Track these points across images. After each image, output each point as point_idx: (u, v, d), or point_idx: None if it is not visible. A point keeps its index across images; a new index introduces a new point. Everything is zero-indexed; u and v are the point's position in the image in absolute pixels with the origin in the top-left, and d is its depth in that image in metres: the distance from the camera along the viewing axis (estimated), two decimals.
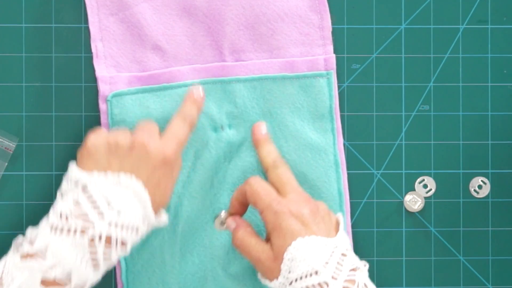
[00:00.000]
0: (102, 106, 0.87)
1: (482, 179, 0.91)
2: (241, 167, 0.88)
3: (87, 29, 0.88)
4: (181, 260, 0.87)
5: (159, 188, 0.78)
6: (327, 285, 0.74)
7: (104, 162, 0.77)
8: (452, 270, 0.90)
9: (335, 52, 0.89)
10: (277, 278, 0.77)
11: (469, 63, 0.91)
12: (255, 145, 0.86)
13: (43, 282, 0.73)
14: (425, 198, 0.90)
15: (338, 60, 0.89)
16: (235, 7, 0.88)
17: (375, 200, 0.90)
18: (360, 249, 0.90)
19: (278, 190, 0.81)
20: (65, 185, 0.77)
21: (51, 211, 0.76)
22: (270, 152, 0.85)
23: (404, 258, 0.90)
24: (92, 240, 0.74)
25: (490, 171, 0.91)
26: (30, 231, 0.76)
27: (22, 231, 0.88)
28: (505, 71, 0.91)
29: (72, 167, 0.78)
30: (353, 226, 0.90)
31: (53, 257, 0.73)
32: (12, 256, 0.75)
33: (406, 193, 0.90)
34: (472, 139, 0.91)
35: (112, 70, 0.88)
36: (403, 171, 0.90)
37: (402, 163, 0.90)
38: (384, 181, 0.90)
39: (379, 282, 0.90)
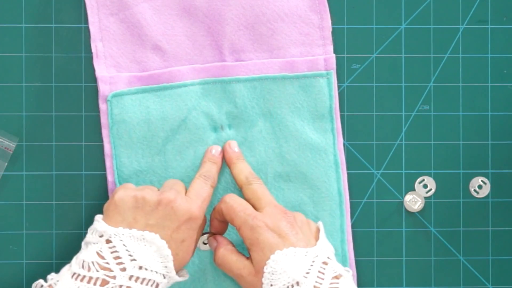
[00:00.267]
0: (102, 106, 0.87)
1: (482, 179, 0.91)
2: None
3: (87, 29, 0.88)
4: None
5: (182, 244, 0.79)
6: None
7: (130, 218, 0.78)
8: (452, 270, 0.90)
9: (335, 52, 0.89)
10: None
11: (469, 63, 0.91)
12: (228, 163, 0.86)
13: None
14: (425, 198, 0.90)
15: (338, 60, 0.89)
16: (235, 7, 0.88)
17: (375, 200, 0.90)
18: (360, 249, 0.90)
19: (254, 206, 0.82)
20: (89, 236, 0.78)
21: (74, 260, 0.77)
22: (242, 170, 0.85)
23: (404, 258, 0.90)
24: None
25: (490, 171, 0.91)
26: (51, 277, 0.78)
27: (22, 231, 0.88)
28: (505, 71, 0.91)
29: (98, 220, 0.79)
30: (353, 226, 0.90)
31: None
32: None
33: (406, 193, 0.90)
34: (472, 139, 0.91)
35: (112, 70, 0.88)
36: (403, 171, 0.90)
37: (402, 163, 0.90)
38: (384, 181, 0.90)
39: (379, 282, 0.90)
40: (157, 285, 0.77)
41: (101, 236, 0.77)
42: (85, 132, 0.88)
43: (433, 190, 0.90)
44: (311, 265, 0.76)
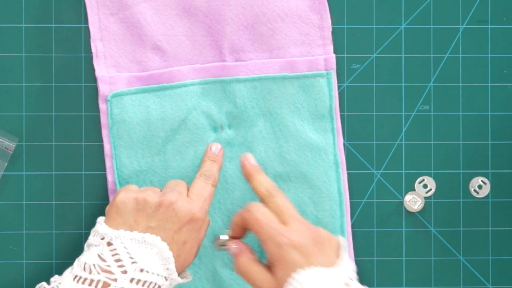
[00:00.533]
0: (102, 106, 0.87)
1: (482, 179, 0.91)
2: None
3: (87, 29, 0.88)
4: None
5: (184, 246, 0.79)
6: None
7: (131, 220, 0.78)
8: (452, 270, 0.90)
9: (335, 52, 0.89)
10: None
11: (469, 63, 0.91)
12: (246, 177, 0.86)
13: None
14: (425, 198, 0.90)
15: (338, 60, 0.89)
16: (235, 7, 0.88)
17: (375, 200, 0.90)
18: (360, 249, 0.90)
19: (278, 218, 0.81)
20: (91, 238, 0.79)
21: (76, 262, 0.77)
22: (262, 182, 0.84)
23: (404, 258, 0.90)
24: None
25: (490, 171, 0.91)
26: (54, 279, 0.79)
27: (22, 231, 0.88)
28: (505, 71, 0.91)
29: (100, 222, 0.79)
30: (353, 226, 0.90)
31: None
32: None
33: (406, 193, 0.90)
34: (472, 139, 0.91)
35: (112, 70, 0.88)
36: (403, 171, 0.90)
37: (402, 163, 0.90)
38: (384, 181, 0.90)
39: (379, 282, 0.90)
40: (159, 287, 0.77)
41: (102, 239, 0.77)
42: (85, 132, 0.88)
43: (433, 190, 0.90)
44: (332, 286, 0.75)
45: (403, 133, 0.90)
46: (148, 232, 0.77)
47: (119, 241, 0.77)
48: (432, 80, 0.90)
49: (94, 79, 0.88)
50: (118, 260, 0.76)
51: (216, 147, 0.86)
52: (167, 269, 0.78)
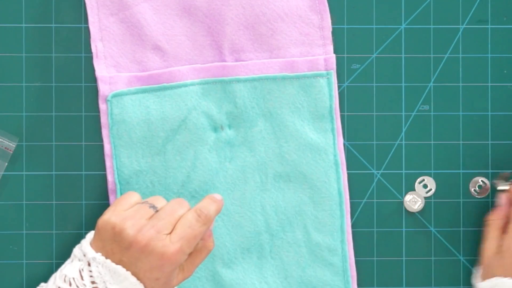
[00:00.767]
0: (102, 106, 0.87)
1: (482, 179, 0.91)
2: (241, 167, 0.88)
3: (87, 29, 0.88)
4: None
5: (157, 282, 0.77)
6: None
7: (108, 247, 0.77)
8: (452, 270, 0.90)
9: (335, 52, 0.89)
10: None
11: (469, 63, 0.91)
12: None
13: None
14: (425, 198, 0.90)
15: (338, 60, 0.89)
16: (235, 7, 0.88)
17: (375, 200, 0.90)
18: (360, 249, 0.90)
19: None
20: (77, 250, 0.79)
21: (59, 272, 0.78)
22: None
23: (404, 258, 0.90)
24: None
25: (490, 171, 0.91)
26: (42, 286, 0.80)
27: (22, 231, 0.88)
28: (505, 71, 0.91)
29: (86, 238, 0.79)
30: (353, 226, 0.90)
31: None
32: None
33: (406, 193, 0.90)
34: (472, 139, 0.91)
35: (112, 70, 0.88)
36: (403, 171, 0.90)
37: (402, 163, 0.90)
38: (384, 181, 0.90)
39: (379, 282, 0.90)
40: None
41: (84, 255, 0.77)
42: (85, 132, 0.88)
43: (433, 190, 0.90)
44: None
45: (403, 133, 0.90)
46: (120, 265, 0.76)
47: (95, 264, 0.77)
48: (432, 80, 0.90)
49: (94, 79, 0.88)
50: (93, 282, 0.76)
51: (218, 196, 0.81)
52: None
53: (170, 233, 0.77)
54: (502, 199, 0.87)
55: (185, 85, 0.87)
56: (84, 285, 0.76)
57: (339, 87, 0.90)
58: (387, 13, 0.90)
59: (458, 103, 0.91)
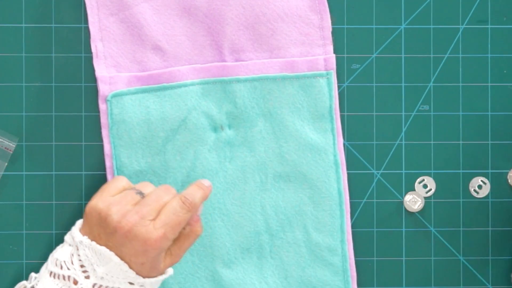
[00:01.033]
0: (102, 106, 0.87)
1: (482, 179, 0.91)
2: (241, 167, 0.88)
3: (87, 29, 0.88)
4: (181, 260, 0.87)
5: (143, 266, 0.78)
6: None
7: (95, 232, 0.78)
8: (452, 270, 0.90)
9: (335, 52, 0.89)
10: None
11: (469, 63, 0.91)
12: None
13: None
14: (425, 198, 0.90)
15: (338, 60, 0.89)
16: (235, 7, 0.88)
17: (375, 200, 0.90)
18: (360, 249, 0.90)
19: None
20: (68, 236, 0.79)
21: (50, 257, 0.79)
22: None
23: (404, 258, 0.90)
24: None
25: (490, 171, 0.91)
26: (35, 275, 0.80)
27: (22, 231, 0.88)
28: (505, 71, 0.91)
29: (76, 225, 0.80)
30: (353, 226, 0.90)
31: None
32: None
33: (406, 193, 0.90)
34: (472, 139, 0.91)
35: (112, 70, 0.88)
36: (403, 171, 0.90)
37: (402, 163, 0.90)
38: (384, 181, 0.90)
39: (379, 282, 0.90)
40: None
41: (73, 240, 0.78)
42: (85, 132, 0.88)
43: (433, 190, 0.90)
44: None
45: (403, 133, 0.90)
46: (106, 248, 0.77)
47: (83, 247, 0.77)
48: (432, 80, 0.90)
49: (94, 79, 0.88)
50: (82, 266, 0.77)
51: (207, 182, 0.81)
52: (129, 277, 0.78)
53: (154, 219, 0.77)
54: None
55: (185, 85, 0.87)
56: (74, 269, 0.77)
57: (339, 87, 0.90)
58: (387, 13, 0.90)
59: (458, 103, 0.91)
